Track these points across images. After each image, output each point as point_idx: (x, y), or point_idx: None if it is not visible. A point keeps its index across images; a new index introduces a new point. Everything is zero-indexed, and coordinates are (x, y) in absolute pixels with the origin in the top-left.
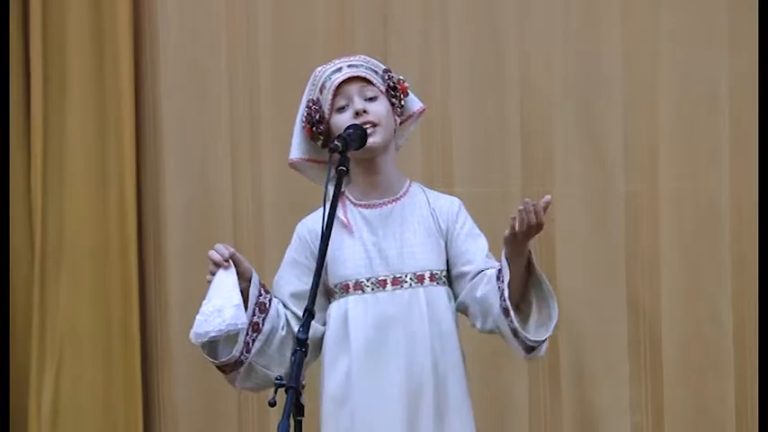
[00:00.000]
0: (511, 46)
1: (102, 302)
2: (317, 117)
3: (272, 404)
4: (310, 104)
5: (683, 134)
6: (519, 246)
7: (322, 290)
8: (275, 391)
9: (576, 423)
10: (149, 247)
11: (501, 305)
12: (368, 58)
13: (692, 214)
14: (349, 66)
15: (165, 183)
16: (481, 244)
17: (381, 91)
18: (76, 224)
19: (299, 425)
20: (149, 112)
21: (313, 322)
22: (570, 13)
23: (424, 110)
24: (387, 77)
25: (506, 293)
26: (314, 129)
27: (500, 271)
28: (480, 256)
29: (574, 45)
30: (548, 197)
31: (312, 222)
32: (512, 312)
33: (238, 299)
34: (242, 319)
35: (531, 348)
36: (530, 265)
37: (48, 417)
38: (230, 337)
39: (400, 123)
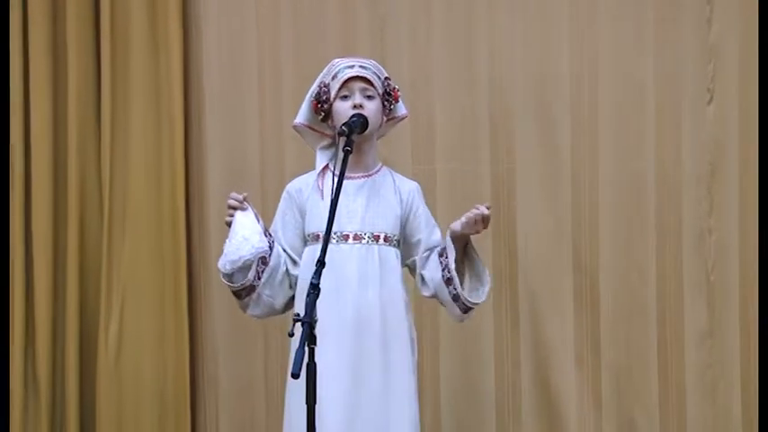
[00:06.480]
0: (481, 53)
1: (157, 256)
2: (324, 98)
3: (291, 335)
4: (322, 86)
5: (617, 124)
6: (464, 236)
7: (302, 236)
8: (293, 325)
9: (531, 353)
10: (194, 212)
11: (443, 276)
12: (377, 64)
13: (625, 189)
14: (361, 66)
15: (207, 162)
16: (430, 219)
17: (378, 93)
18: (137, 194)
19: (311, 351)
20: (195, 107)
21: (291, 263)
22: (528, 27)
23: (406, 116)
24: (386, 84)
25: (451, 267)
26: (319, 105)
27: (443, 248)
28: (429, 229)
29: (531, 52)
30: (486, 211)
31: (298, 182)
32: (455, 281)
33: (261, 228)
34: (267, 244)
35: (467, 309)
36: (466, 246)
37: (113, 345)
38: (244, 267)
39: (387, 121)
